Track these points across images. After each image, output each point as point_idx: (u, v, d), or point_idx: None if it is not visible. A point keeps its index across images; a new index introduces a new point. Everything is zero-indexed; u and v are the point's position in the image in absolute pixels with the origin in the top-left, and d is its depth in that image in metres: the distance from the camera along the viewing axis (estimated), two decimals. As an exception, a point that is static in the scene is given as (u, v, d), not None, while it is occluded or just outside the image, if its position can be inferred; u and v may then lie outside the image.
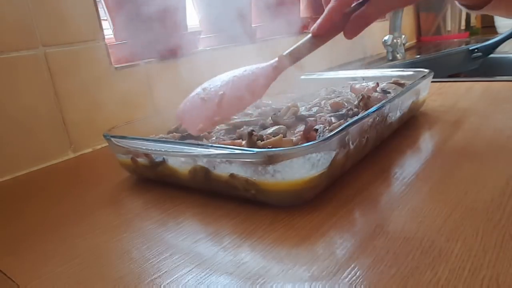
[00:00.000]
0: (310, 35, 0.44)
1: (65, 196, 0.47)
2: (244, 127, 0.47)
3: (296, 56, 0.45)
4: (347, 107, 0.49)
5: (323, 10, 0.43)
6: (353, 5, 0.42)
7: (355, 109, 0.48)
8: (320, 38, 0.43)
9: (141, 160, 0.44)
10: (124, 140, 0.43)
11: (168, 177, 0.43)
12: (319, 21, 0.42)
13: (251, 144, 0.38)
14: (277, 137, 0.39)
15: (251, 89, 0.45)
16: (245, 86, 0.45)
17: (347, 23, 0.42)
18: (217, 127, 0.51)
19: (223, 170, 0.37)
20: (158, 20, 0.72)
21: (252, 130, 0.40)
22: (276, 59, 0.46)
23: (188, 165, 0.39)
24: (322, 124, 0.43)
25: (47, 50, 0.58)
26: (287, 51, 0.45)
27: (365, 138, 0.41)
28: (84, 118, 0.62)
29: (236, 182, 0.36)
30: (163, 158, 0.42)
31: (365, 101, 0.48)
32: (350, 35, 0.43)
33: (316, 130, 0.40)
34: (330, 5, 0.41)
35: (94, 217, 0.40)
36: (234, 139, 0.44)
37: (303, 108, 0.53)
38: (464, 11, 0.51)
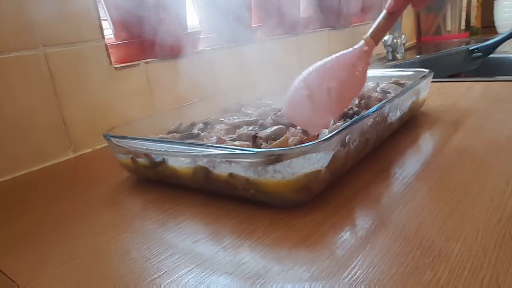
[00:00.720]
0: (384, 12, 0.45)
1: (65, 196, 0.47)
2: (244, 127, 0.47)
3: (379, 36, 0.46)
4: (347, 107, 0.49)
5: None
6: None
7: (355, 109, 0.48)
8: (395, 13, 0.45)
9: (141, 160, 0.44)
10: (124, 140, 0.43)
11: (168, 177, 0.43)
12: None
13: (256, 147, 0.38)
14: (282, 138, 0.39)
15: (354, 77, 0.45)
16: (347, 76, 0.44)
17: None
18: (217, 127, 0.52)
19: (222, 170, 0.37)
20: (158, 20, 0.72)
21: (256, 133, 0.40)
22: (362, 42, 0.45)
23: (189, 164, 0.39)
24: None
25: (47, 50, 0.58)
26: (369, 32, 0.46)
27: (365, 138, 0.41)
28: (84, 118, 0.62)
29: (235, 181, 0.36)
30: (163, 158, 0.42)
31: (365, 101, 0.48)
32: (418, 5, 0.44)
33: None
34: None
35: (94, 217, 0.40)
36: (234, 139, 0.44)
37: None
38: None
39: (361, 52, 0.45)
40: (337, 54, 0.46)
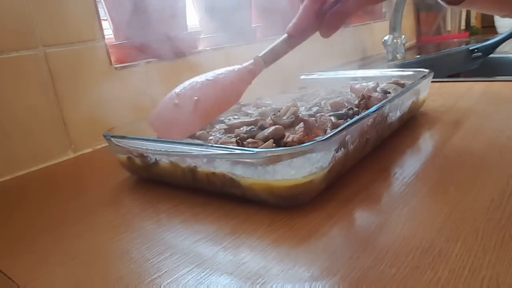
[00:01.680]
0: (285, 35, 0.43)
1: (65, 196, 0.47)
2: (244, 127, 0.47)
3: (272, 58, 0.44)
4: (347, 107, 0.49)
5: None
6: (328, 3, 0.41)
7: (355, 109, 0.48)
8: (296, 38, 0.42)
9: (137, 161, 0.44)
10: (124, 140, 0.43)
11: (165, 177, 0.43)
12: (294, 20, 0.41)
13: None
14: (267, 143, 0.39)
15: (227, 94, 0.44)
16: (220, 91, 0.44)
17: (323, 21, 0.41)
18: (216, 126, 0.52)
19: (222, 170, 0.37)
20: (158, 20, 0.72)
21: (239, 139, 0.40)
22: (251, 61, 0.45)
23: (182, 164, 0.40)
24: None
25: (47, 50, 0.58)
26: (262, 53, 0.44)
27: (365, 138, 0.41)
28: (84, 118, 0.62)
29: (235, 181, 0.36)
30: (155, 159, 0.42)
31: (365, 101, 0.48)
32: (326, 33, 0.41)
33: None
34: (304, 3, 0.40)
35: (94, 217, 0.40)
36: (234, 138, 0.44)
37: (303, 108, 0.53)
38: (449, 7, 0.51)
39: (245, 71, 0.45)
40: (227, 68, 0.46)
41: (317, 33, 0.43)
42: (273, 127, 0.43)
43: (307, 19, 0.41)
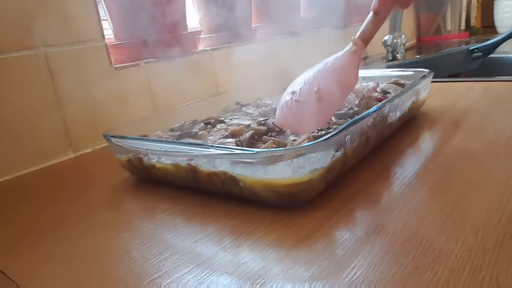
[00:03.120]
0: (371, 13, 0.45)
1: (65, 196, 0.47)
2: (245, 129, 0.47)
3: (367, 36, 0.47)
4: (347, 107, 0.49)
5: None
6: None
7: (355, 109, 0.48)
8: (381, 13, 0.45)
9: (137, 161, 0.44)
10: (124, 140, 0.43)
11: (165, 177, 0.43)
12: None
13: None
14: (267, 143, 0.39)
15: (343, 77, 0.45)
16: (336, 77, 0.45)
17: None
18: (217, 126, 0.52)
19: (222, 169, 0.37)
20: (158, 20, 0.72)
21: (238, 140, 0.40)
22: (351, 44, 0.46)
23: (182, 164, 0.40)
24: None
25: (47, 50, 0.58)
26: (358, 34, 0.47)
27: (365, 138, 0.41)
28: (84, 118, 0.62)
29: (234, 181, 0.36)
30: (155, 160, 0.42)
31: (366, 101, 0.48)
32: (405, 4, 0.44)
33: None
34: None
35: (94, 217, 0.40)
36: (227, 137, 0.44)
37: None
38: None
39: (349, 53, 0.46)
40: (329, 58, 0.47)
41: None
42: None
43: None
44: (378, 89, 0.56)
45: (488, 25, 1.70)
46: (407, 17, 1.65)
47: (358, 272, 0.26)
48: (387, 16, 0.45)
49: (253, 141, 0.41)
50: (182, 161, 0.40)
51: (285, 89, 0.49)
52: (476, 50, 1.17)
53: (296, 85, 0.47)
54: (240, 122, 0.50)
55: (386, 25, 1.25)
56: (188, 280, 0.27)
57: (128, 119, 0.53)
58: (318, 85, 0.44)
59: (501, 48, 1.14)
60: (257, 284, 0.26)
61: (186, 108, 0.58)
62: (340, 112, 0.48)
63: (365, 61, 1.25)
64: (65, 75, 0.60)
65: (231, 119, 0.54)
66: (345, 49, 0.46)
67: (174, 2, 0.74)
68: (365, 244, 0.28)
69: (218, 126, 0.52)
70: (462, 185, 0.35)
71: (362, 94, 0.50)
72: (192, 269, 0.29)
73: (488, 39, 1.17)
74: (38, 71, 0.57)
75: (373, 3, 0.44)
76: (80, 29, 0.61)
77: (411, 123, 0.55)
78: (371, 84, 0.59)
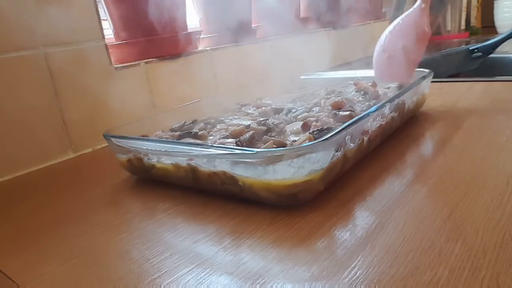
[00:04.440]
0: None
1: (65, 196, 0.47)
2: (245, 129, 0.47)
3: None
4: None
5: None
6: None
7: (362, 104, 0.49)
8: None
9: (137, 161, 0.44)
10: (124, 140, 0.43)
11: (165, 177, 0.43)
12: None
13: None
14: (268, 143, 0.39)
15: (419, 31, 0.54)
16: (414, 31, 0.54)
17: None
18: (217, 126, 0.52)
19: (222, 168, 0.37)
20: (158, 20, 0.72)
21: (238, 140, 0.40)
22: (420, 1, 0.54)
23: (182, 163, 0.40)
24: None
25: (47, 50, 0.58)
26: None
27: (365, 138, 0.41)
28: (84, 118, 0.62)
29: (234, 181, 0.36)
30: (155, 160, 0.42)
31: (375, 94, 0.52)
32: None
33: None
34: None
35: (94, 217, 0.40)
36: (227, 137, 0.44)
37: (302, 108, 0.53)
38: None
39: (420, 10, 0.54)
40: (401, 16, 0.56)
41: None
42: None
43: None
44: (378, 89, 0.56)
45: (488, 25, 1.70)
46: (407, 17, 1.65)
47: (358, 272, 0.26)
48: None
49: (253, 141, 0.41)
50: (182, 161, 0.40)
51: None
52: (476, 50, 1.16)
53: (382, 42, 0.57)
54: (240, 122, 0.50)
55: (386, 25, 1.25)
56: (188, 280, 0.27)
57: (128, 119, 0.53)
58: (402, 42, 0.54)
59: (501, 48, 1.14)
60: (257, 284, 0.26)
61: (186, 108, 0.58)
62: (340, 112, 0.48)
63: (365, 61, 1.24)
64: (65, 75, 0.60)
65: (231, 119, 0.54)
66: (415, 6, 0.55)
67: (174, 2, 0.74)
68: (365, 244, 0.28)
69: (218, 126, 0.52)
70: (462, 185, 0.35)
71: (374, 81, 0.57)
72: (192, 269, 0.29)
73: (488, 39, 1.17)
74: (38, 71, 0.57)
75: None
76: (80, 29, 0.61)
77: (411, 123, 0.55)
78: (369, 84, 0.59)
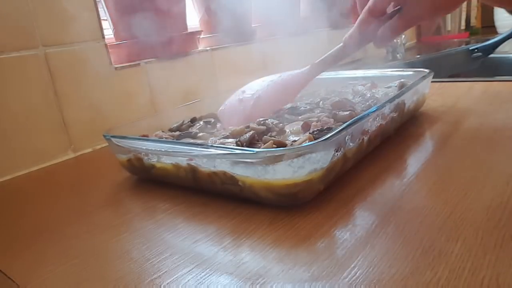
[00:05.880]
0: (341, 44, 0.47)
1: (65, 196, 0.47)
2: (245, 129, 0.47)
3: (327, 64, 0.49)
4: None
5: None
6: (382, 17, 0.44)
7: (362, 105, 0.49)
8: (351, 47, 0.47)
9: (137, 161, 0.44)
10: (124, 140, 0.43)
11: (165, 177, 0.43)
12: (351, 31, 0.46)
13: None
14: (268, 143, 0.39)
15: (284, 94, 0.51)
16: (280, 91, 0.51)
17: (378, 33, 0.45)
18: (218, 125, 0.52)
19: (222, 168, 0.37)
20: (158, 20, 0.72)
21: (239, 140, 0.40)
22: (308, 67, 0.50)
23: (182, 163, 0.40)
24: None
25: (47, 50, 0.58)
26: (319, 59, 0.49)
27: (365, 138, 0.41)
28: (84, 118, 0.62)
29: (234, 181, 0.36)
30: (155, 160, 0.42)
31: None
32: (380, 44, 0.46)
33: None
34: (361, 17, 0.45)
35: (94, 217, 0.40)
36: (227, 137, 0.44)
37: (302, 108, 0.53)
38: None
39: (302, 75, 0.51)
40: (287, 72, 0.52)
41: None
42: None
43: (362, 31, 0.45)
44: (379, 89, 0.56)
45: (488, 25, 1.70)
46: (407, 17, 1.65)
47: (358, 272, 0.26)
48: (356, 52, 0.47)
49: (253, 141, 0.41)
50: (182, 161, 0.40)
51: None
52: (476, 50, 1.17)
53: (249, 86, 0.53)
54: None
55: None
56: (188, 280, 0.27)
57: (128, 119, 0.53)
58: (260, 93, 0.50)
59: (501, 48, 1.14)
60: (257, 284, 0.26)
61: (186, 108, 0.58)
62: (340, 111, 0.48)
63: (365, 61, 1.25)
64: (65, 75, 0.60)
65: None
66: (301, 70, 0.51)
67: (174, 2, 0.74)
68: (365, 244, 0.28)
69: (218, 126, 0.52)
70: (462, 185, 0.35)
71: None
72: (192, 269, 0.29)
73: (488, 39, 1.17)
74: (38, 71, 0.57)
75: (345, 36, 0.47)
76: (80, 29, 0.61)
77: (411, 123, 0.55)
78: (368, 85, 0.59)
